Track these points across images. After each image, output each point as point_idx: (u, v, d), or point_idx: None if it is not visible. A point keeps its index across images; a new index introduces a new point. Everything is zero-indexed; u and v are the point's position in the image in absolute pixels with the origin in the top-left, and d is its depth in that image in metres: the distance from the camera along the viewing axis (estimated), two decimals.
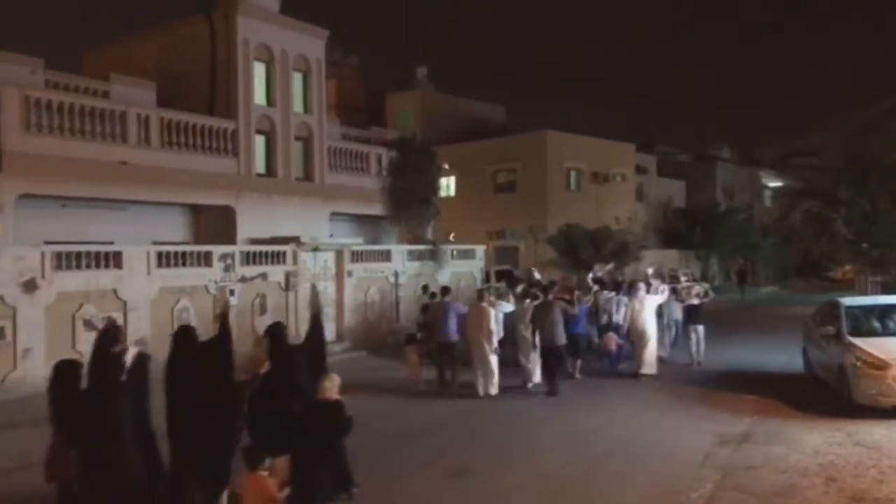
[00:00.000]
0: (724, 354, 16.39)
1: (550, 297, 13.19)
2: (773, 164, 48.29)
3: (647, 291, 14.81)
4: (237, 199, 17.48)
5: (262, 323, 15.86)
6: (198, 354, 6.66)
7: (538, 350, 12.75)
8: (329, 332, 17.68)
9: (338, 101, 35.92)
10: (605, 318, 15.03)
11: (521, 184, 33.36)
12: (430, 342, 13.48)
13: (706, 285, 17.05)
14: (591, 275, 17.40)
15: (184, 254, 14.91)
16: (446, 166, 33.05)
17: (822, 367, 12.23)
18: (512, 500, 7.43)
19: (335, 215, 20.03)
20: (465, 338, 12.88)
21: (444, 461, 8.71)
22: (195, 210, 17.76)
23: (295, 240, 16.94)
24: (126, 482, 5.73)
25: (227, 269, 15.53)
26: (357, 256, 18.69)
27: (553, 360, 12.59)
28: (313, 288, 13.80)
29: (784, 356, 15.64)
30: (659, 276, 16.89)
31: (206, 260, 15.23)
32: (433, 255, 21.06)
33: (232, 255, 15.66)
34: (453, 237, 25.25)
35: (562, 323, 12.75)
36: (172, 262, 14.66)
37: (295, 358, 7.43)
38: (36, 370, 12.11)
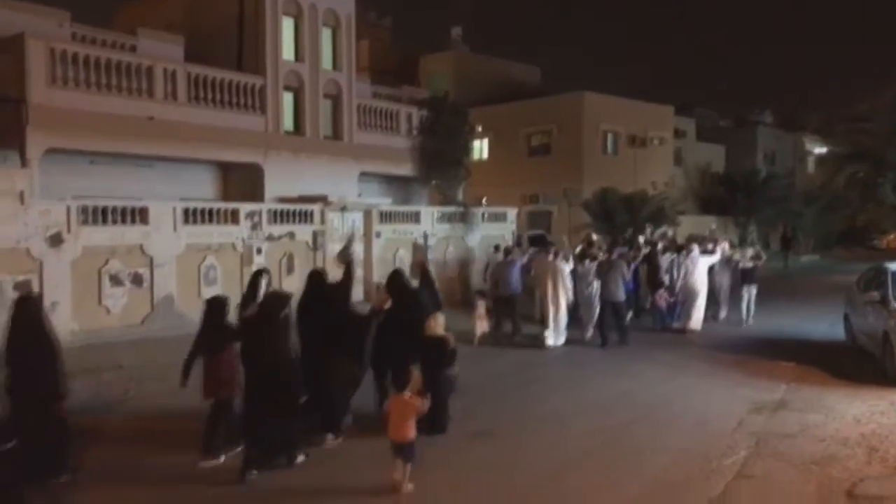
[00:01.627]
0: (763, 321, 16.08)
1: (615, 256, 14.06)
2: (817, 129, 46.68)
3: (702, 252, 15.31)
4: (265, 157, 17.30)
5: (290, 282, 15.91)
6: (330, 293, 7.77)
7: (596, 306, 13.40)
8: (357, 292, 17.57)
9: (370, 63, 35.52)
10: (666, 279, 15.27)
11: (556, 147, 32.74)
12: (494, 295, 14.21)
13: (758, 247, 17.34)
14: (642, 237, 17.87)
15: (210, 211, 14.79)
16: (479, 129, 32.67)
17: (866, 335, 11.70)
18: (534, 465, 7.15)
19: (364, 175, 19.78)
20: (536, 292, 13.66)
21: (471, 422, 8.44)
22: (223, 168, 17.63)
23: (322, 199, 16.74)
24: (291, 398, 6.73)
25: (254, 227, 15.39)
26: (385, 217, 18.45)
27: (611, 314, 13.36)
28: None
29: (825, 324, 15.26)
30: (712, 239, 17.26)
31: (233, 217, 15.10)
32: (463, 218, 20.71)
33: (259, 214, 15.50)
34: (486, 201, 24.84)
35: (622, 280, 13.55)
36: (199, 219, 14.55)
37: (417, 298, 8.46)
38: (63, 324, 12.12)
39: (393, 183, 21.20)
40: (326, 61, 18.77)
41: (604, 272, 13.43)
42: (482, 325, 13.54)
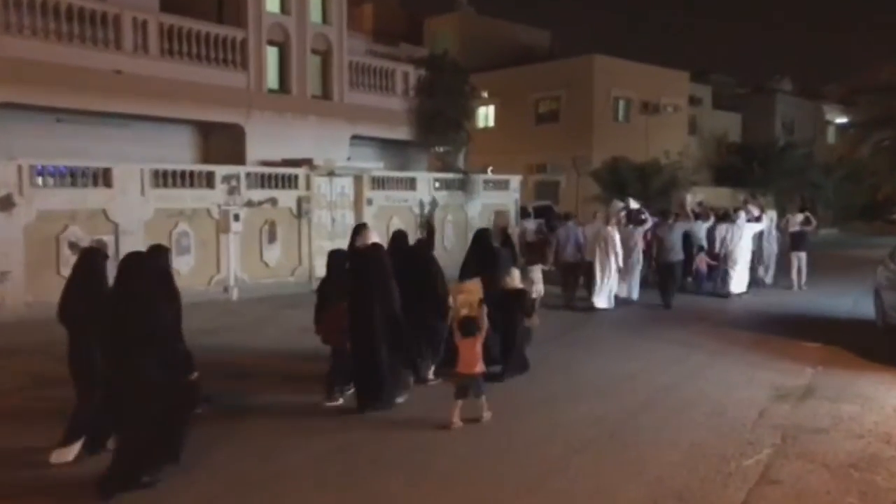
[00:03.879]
0: (783, 297, 15.20)
1: (671, 220, 14.69)
2: (838, 98, 45.05)
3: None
4: (247, 117, 16.14)
5: (271, 252, 14.88)
6: (416, 251, 8.55)
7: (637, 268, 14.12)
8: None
9: (374, 25, 34.20)
10: (696, 248, 15.34)
11: (565, 114, 31.82)
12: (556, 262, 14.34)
13: (808, 213, 17.25)
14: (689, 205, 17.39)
15: (183, 174, 13.70)
16: (486, 95, 31.77)
17: None
18: (516, 464, 6.06)
19: (356, 139, 18.61)
20: (590, 257, 13.88)
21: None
22: (203, 129, 16.49)
23: (308, 162, 15.61)
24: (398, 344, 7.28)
25: (231, 191, 14.29)
26: (378, 183, 17.33)
27: (666, 276, 14.09)
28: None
29: (849, 301, 14.36)
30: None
31: (208, 181, 14.01)
32: (463, 185, 19.60)
33: (237, 177, 14.39)
34: (491, 170, 23.74)
35: (679, 242, 14.34)
36: (170, 182, 13.47)
37: (499, 256, 9.23)
38: (15, 295, 11.12)
39: (389, 147, 20.02)
40: (315, 14, 17.50)
41: (661, 234, 14.31)
42: (537, 290, 12.49)
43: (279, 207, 15.12)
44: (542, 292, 12.64)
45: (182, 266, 13.17)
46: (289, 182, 15.32)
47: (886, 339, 10.70)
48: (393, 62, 19.91)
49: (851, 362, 9.43)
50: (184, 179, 13.69)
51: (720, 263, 15.17)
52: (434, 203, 14.92)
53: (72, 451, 5.71)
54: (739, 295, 14.91)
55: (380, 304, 7.13)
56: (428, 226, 11.19)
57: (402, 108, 19.22)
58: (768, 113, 41.06)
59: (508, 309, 8.42)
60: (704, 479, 5.66)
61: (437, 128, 19.76)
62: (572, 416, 7.22)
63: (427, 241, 9.69)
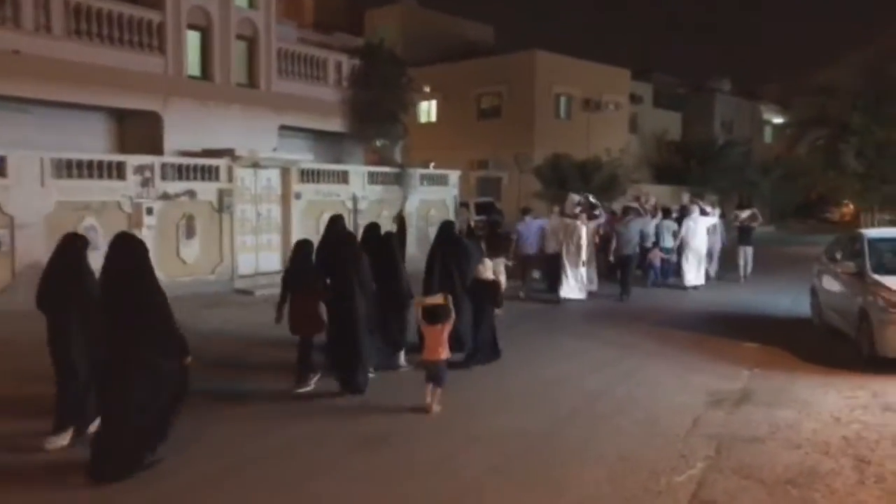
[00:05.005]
0: (718, 294, 14.96)
1: (630, 216, 15.28)
2: (775, 99, 45.80)
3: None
4: (164, 105, 15.05)
5: (189, 248, 13.93)
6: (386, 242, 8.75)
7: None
8: (273, 261, 15.71)
9: (316, 16, 33.28)
10: (649, 242, 15.84)
11: (507, 110, 31.56)
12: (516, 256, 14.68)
13: (755, 210, 17.99)
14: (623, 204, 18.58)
15: (90, 163, 12.61)
16: (427, 89, 31.11)
17: (837, 312, 10.20)
18: (423, 484, 5.40)
19: (286, 129, 17.67)
20: (550, 250, 14.29)
21: (359, 425, 6.71)
22: (118, 117, 15.34)
23: (230, 153, 14.64)
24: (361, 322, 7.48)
25: (144, 183, 13.26)
26: (307, 176, 16.46)
27: (624, 268, 14.60)
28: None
29: (786, 299, 14.13)
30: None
31: (118, 172, 12.95)
32: (399, 180, 18.85)
33: (151, 168, 13.36)
34: (434, 166, 23.11)
35: (637, 237, 14.99)
36: (75, 172, 12.37)
37: (466, 248, 9.60)
38: None
39: (322, 140, 19.13)
40: None
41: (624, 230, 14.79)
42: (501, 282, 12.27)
43: (198, 201, 14.15)
44: (504, 284, 12.38)
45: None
46: (209, 174, 14.36)
47: (823, 339, 10.46)
48: (325, 51, 19.03)
49: (789, 364, 9.09)
50: (91, 170, 12.62)
51: (676, 257, 15.88)
52: (405, 199, 14.64)
53: (66, 437, 5.85)
54: (696, 287, 15.47)
55: (361, 293, 7.45)
56: (400, 220, 11.79)
57: (335, 98, 18.33)
58: (708, 112, 41.52)
59: (480, 299, 8.69)
60: (631, 500, 5.10)
61: (372, 120, 18.92)
62: (493, 428, 6.61)
63: (398, 234, 9.94)
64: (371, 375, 7.77)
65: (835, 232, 20.71)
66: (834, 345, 9.86)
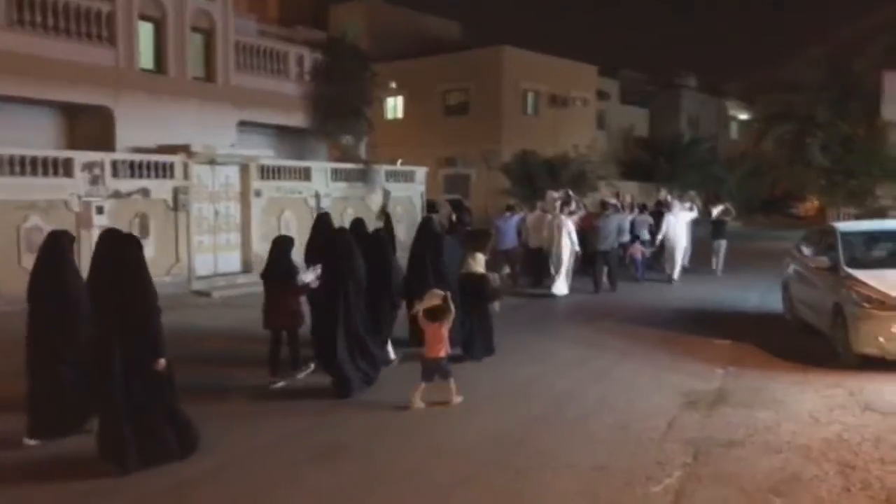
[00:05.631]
0: (687, 291, 14.76)
1: (608, 211, 15.31)
2: (740, 96, 46.18)
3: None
4: (116, 99, 14.44)
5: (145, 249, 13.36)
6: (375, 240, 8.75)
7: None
8: (233, 262, 15.18)
9: (280, 12, 32.62)
10: (627, 236, 16.15)
11: (474, 106, 31.13)
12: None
13: (728, 204, 18.48)
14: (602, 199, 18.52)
15: (34, 160, 11.97)
16: (393, 85, 30.77)
17: (810, 307, 9.99)
18: (395, 493, 5.00)
19: (246, 125, 17.14)
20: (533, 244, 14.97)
21: (321, 434, 6.31)
22: (68, 112, 14.68)
23: (185, 149, 14.10)
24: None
25: (94, 181, 12.66)
26: (268, 173, 16.01)
27: (601, 263, 14.75)
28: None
29: (755, 294, 14.06)
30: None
31: (65, 169, 12.33)
32: (363, 176, 18.49)
33: (101, 165, 12.75)
34: (401, 163, 22.75)
35: (615, 232, 15.07)
36: (17, 169, 11.74)
37: (451, 245, 9.47)
38: None
39: (283, 136, 18.63)
40: None
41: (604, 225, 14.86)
42: None
43: (152, 199, 13.59)
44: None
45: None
46: (163, 171, 13.81)
47: (795, 334, 10.27)
48: (286, 44, 18.51)
49: (762, 361, 8.86)
50: (35, 167, 11.98)
51: (660, 251, 16.40)
52: (387, 193, 14.23)
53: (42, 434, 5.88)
54: (675, 280, 15.82)
55: (354, 290, 7.48)
56: (385, 215, 11.70)
57: (297, 93, 17.87)
58: (674, 108, 41.54)
59: (471, 294, 8.65)
60: None
61: (335, 115, 18.51)
62: (462, 435, 6.29)
63: (385, 229, 9.93)
64: (393, 361, 8.35)
65: (800, 227, 20.94)
66: (807, 341, 9.64)
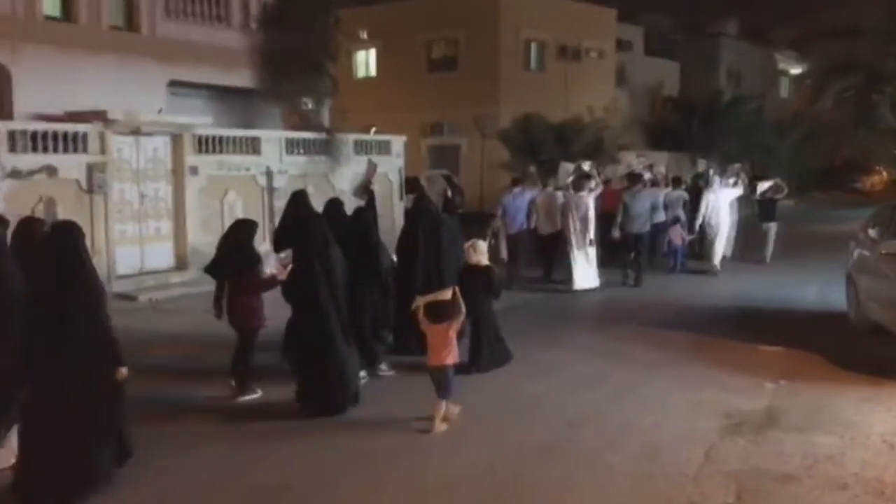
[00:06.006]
0: (729, 284, 15.11)
1: (639, 186, 15.52)
2: (792, 44, 46.23)
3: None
4: (13, 54, 14.29)
5: None
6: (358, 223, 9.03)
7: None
8: (163, 256, 15.03)
9: None
10: (662, 215, 16.27)
11: (465, 60, 31.43)
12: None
13: (779, 180, 18.64)
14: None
15: None
16: (364, 35, 30.65)
17: (881, 304, 9.90)
18: None
19: (178, 86, 17.04)
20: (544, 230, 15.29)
21: (265, 472, 6.18)
22: None
23: (101, 116, 13.94)
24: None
25: None
26: (207, 145, 15.83)
27: (632, 250, 15.13)
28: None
29: (812, 288, 14.24)
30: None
31: None
32: (326, 148, 18.29)
33: None
34: (375, 131, 22.65)
35: (648, 211, 15.24)
36: None
37: (451, 230, 9.93)
38: None
39: (226, 99, 18.45)
40: None
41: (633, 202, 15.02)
42: None
43: (60, 179, 13.37)
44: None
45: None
46: (74, 143, 13.58)
47: (863, 338, 10.22)
48: None
49: (822, 372, 8.84)
50: None
51: (698, 237, 16.71)
52: (373, 166, 14.39)
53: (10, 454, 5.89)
54: (717, 269, 16.07)
55: (326, 282, 7.53)
56: (368, 191, 11.51)
57: (242, 45, 17.51)
58: (711, 61, 41.85)
59: (473, 288, 8.43)
60: None
61: (290, 73, 18.17)
62: (450, 468, 6.20)
63: (367, 208, 9.88)
64: (363, 380, 8.15)
65: (867, 205, 21.03)
66: (878, 346, 9.61)
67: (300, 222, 8.30)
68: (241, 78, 17.80)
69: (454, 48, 31.66)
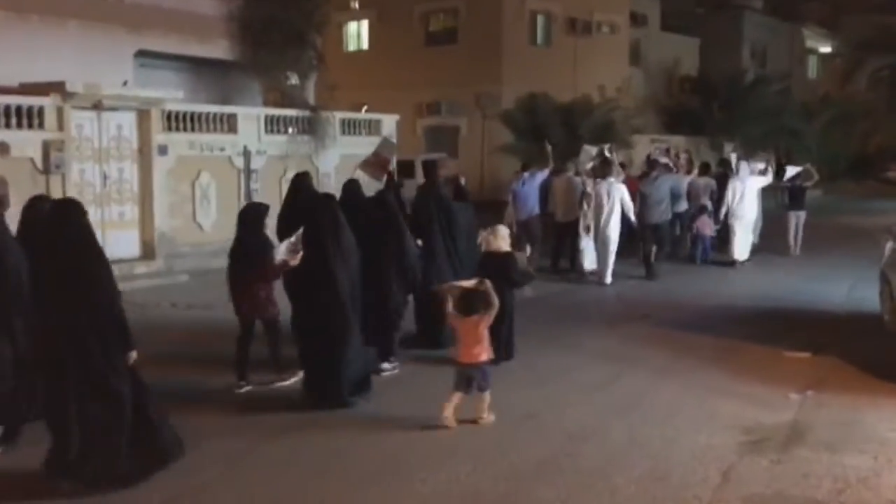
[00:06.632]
0: (752, 280, 15.37)
1: (656, 172, 15.86)
2: (821, 19, 46.17)
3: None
4: None
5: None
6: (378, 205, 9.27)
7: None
8: (128, 244, 14.92)
9: None
10: (684, 204, 16.84)
11: (466, 33, 31.51)
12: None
13: (809, 165, 18.79)
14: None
15: None
16: (355, 5, 30.69)
17: None
18: None
19: (147, 57, 17.25)
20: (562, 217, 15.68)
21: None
22: None
23: (59, 88, 13.85)
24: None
25: None
26: (177, 122, 15.87)
27: (651, 240, 15.35)
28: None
29: (842, 286, 14.17)
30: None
31: None
32: (310, 127, 18.27)
33: None
34: (367, 110, 22.58)
35: (668, 199, 15.62)
36: None
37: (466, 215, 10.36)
38: None
39: (201, 72, 18.71)
40: None
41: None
42: None
43: (13, 158, 13.23)
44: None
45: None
46: (29, 118, 13.52)
47: None
48: None
49: (853, 382, 8.65)
50: None
51: (724, 227, 16.74)
52: (389, 141, 14.43)
53: None
54: (742, 262, 16.32)
55: (343, 269, 7.80)
56: (388, 173, 11.65)
57: (218, 12, 17.56)
58: (734, 38, 41.98)
59: (493, 276, 8.34)
60: None
61: (272, 44, 18.21)
62: (432, 489, 5.96)
63: (391, 187, 10.38)
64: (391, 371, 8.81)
65: None
66: None
67: (307, 206, 8.47)
68: (217, 49, 17.92)
69: (453, 20, 31.88)
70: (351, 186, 9.51)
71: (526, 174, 15.80)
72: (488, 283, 7.38)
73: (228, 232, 16.20)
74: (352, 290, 7.91)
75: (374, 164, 11.92)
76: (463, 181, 14.88)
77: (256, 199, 16.94)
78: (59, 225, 5.92)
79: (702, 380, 8.68)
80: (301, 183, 9.62)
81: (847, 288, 13.85)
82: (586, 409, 7.79)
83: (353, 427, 7.15)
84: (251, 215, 8.50)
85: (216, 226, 16.24)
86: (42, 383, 5.98)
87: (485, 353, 7.22)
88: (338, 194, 9.45)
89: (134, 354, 5.93)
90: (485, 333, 7.24)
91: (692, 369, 9.09)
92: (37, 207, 7.15)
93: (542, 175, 15.69)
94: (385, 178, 11.26)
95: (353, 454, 6.62)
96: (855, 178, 39.42)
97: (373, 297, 8.51)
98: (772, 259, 17.07)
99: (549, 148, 16.11)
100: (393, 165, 12.49)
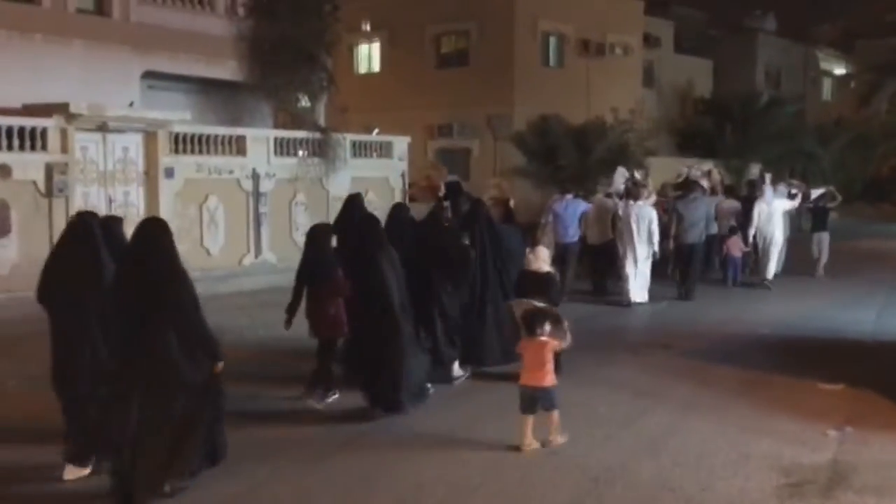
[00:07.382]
0: (779, 305, 15.06)
1: (694, 193, 16.13)
2: (836, 42, 45.99)
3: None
4: None
5: (2, 251, 13.23)
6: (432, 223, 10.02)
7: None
8: None
9: None
10: (715, 227, 16.88)
11: (477, 55, 31.11)
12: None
13: (832, 187, 19.19)
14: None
15: None
16: (366, 27, 30.52)
17: None
18: None
19: (154, 78, 17.05)
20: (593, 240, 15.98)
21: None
22: None
23: (63, 109, 13.72)
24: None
25: None
26: (185, 144, 15.77)
27: (686, 261, 15.60)
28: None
29: (870, 311, 14.01)
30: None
31: None
32: (321, 150, 18.08)
33: None
34: (378, 132, 22.39)
35: (703, 220, 15.75)
36: None
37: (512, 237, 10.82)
38: None
39: (209, 94, 18.63)
40: None
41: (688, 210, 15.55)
42: None
43: (15, 181, 13.20)
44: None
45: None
46: (32, 140, 13.44)
47: None
48: None
49: (893, 417, 8.18)
50: None
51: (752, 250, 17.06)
52: (441, 166, 14.58)
53: (84, 465, 6.39)
54: (769, 281, 16.63)
55: (397, 285, 8.19)
56: (438, 198, 12.73)
57: (227, 33, 17.43)
58: (747, 60, 41.71)
59: (530, 295, 8.67)
60: None
61: (281, 65, 18.03)
62: None
63: (441, 209, 11.08)
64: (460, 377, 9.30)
65: None
66: None
67: (355, 225, 9.01)
68: (226, 70, 17.81)
69: (465, 41, 31.52)
70: (399, 210, 10.15)
71: (568, 196, 15.92)
72: (556, 311, 7.60)
73: (236, 256, 16.26)
74: (401, 299, 8.20)
75: (426, 187, 12.11)
76: (512, 203, 14.95)
77: (265, 223, 17.00)
78: (146, 242, 6.09)
79: (732, 415, 8.24)
80: (354, 202, 10.27)
81: (875, 314, 13.63)
82: (607, 447, 7.35)
83: (392, 447, 7.18)
84: (321, 234, 8.74)
85: (224, 250, 16.18)
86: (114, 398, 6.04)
87: (549, 377, 7.17)
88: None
89: (221, 365, 6.16)
90: (550, 357, 7.23)
91: (720, 403, 8.69)
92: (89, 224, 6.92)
93: (585, 205, 15.91)
94: (434, 200, 11.80)
95: (381, 480, 6.49)
96: (870, 202, 39.15)
97: (434, 310, 9.02)
98: (797, 281, 17.10)
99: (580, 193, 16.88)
100: (442, 190, 12.66)
